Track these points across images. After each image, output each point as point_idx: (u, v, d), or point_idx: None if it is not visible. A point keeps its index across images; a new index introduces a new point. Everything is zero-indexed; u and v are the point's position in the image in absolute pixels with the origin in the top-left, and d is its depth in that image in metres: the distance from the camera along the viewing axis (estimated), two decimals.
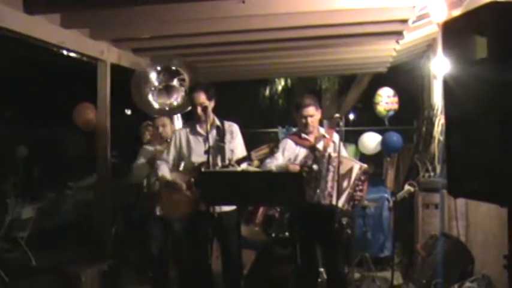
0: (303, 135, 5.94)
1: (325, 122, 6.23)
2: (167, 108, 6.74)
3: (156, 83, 6.63)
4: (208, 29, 7.15)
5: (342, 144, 5.95)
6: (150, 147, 7.09)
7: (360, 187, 5.61)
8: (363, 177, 5.60)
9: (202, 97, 5.68)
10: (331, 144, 5.88)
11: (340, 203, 5.49)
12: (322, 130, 6.03)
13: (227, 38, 7.71)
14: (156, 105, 6.69)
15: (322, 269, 6.44)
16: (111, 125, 7.85)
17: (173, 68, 6.67)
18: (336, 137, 6.01)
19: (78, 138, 15.43)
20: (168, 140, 6.58)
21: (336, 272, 5.97)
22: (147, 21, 6.97)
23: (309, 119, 5.83)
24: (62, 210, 12.14)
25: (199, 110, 5.66)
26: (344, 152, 6.03)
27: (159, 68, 6.66)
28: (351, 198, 5.57)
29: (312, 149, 5.82)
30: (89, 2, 6.07)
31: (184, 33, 7.41)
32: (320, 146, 5.84)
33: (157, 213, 6.66)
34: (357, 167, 5.61)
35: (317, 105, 5.96)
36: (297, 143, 5.94)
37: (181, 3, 6.30)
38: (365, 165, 5.70)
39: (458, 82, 3.20)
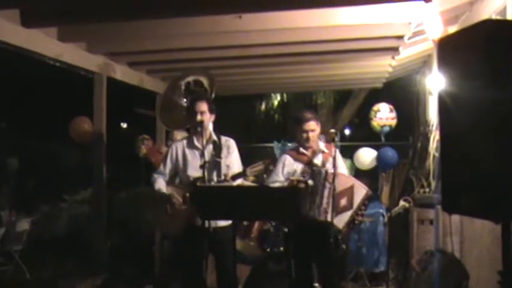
0: (301, 149, 5.92)
1: (321, 136, 6.21)
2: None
3: (184, 100, 6.65)
4: (204, 43, 7.17)
5: (341, 159, 5.95)
6: None
7: (362, 212, 5.59)
8: (366, 202, 5.58)
9: (204, 106, 5.69)
10: (330, 160, 5.79)
11: (341, 224, 5.45)
12: (321, 145, 5.99)
13: (224, 52, 7.73)
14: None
15: (316, 284, 6.42)
16: (107, 138, 7.86)
17: (192, 79, 6.71)
18: (336, 153, 5.92)
19: (73, 152, 15.43)
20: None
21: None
22: (143, 36, 6.99)
23: (310, 134, 5.80)
24: (56, 224, 12.10)
25: (198, 116, 5.62)
26: (344, 169, 6.00)
27: (183, 93, 6.69)
28: (352, 221, 5.54)
29: (310, 164, 5.81)
30: (86, 16, 6.08)
31: (181, 48, 7.43)
32: (318, 161, 5.82)
33: None
34: (363, 192, 5.56)
35: (317, 119, 5.95)
36: (295, 159, 5.92)
37: (177, 18, 6.32)
38: (370, 191, 5.66)
39: (454, 98, 3.21)
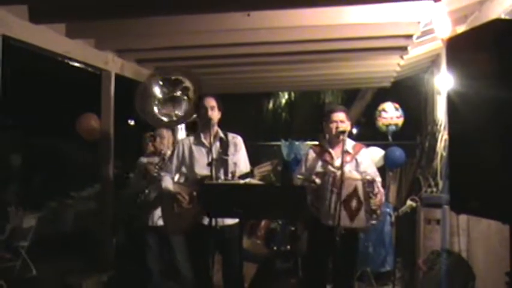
0: (327, 146, 5.84)
1: (327, 135, 6.18)
2: (174, 119, 6.73)
3: (160, 96, 6.62)
4: (212, 41, 7.17)
5: (369, 161, 5.89)
6: (144, 159, 7.10)
7: (373, 197, 5.43)
8: (369, 188, 5.43)
9: (213, 102, 5.66)
10: (353, 162, 5.72)
11: (361, 224, 5.37)
12: (349, 144, 5.81)
13: (231, 50, 7.73)
14: (161, 117, 6.68)
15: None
16: (114, 135, 7.87)
17: (174, 77, 6.67)
18: (363, 154, 5.84)
19: (80, 148, 15.44)
20: (163, 152, 6.63)
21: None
22: (151, 33, 6.99)
23: (340, 124, 5.67)
24: (63, 220, 12.13)
25: (209, 112, 5.60)
26: (371, 169, 5.83)
27: (161, 82, 6.66)
28: (370, 213, 5.43)
29: (326, 163, 5.73)
30: (94, 13, 6.08)
31: (189, 45, 7.43)
32: (336, 162, 5.66)
33: (150, 223, 6.68)
34: (360, 184, 5.43)
35: (347, 113, 5.84)
36: (318, 155, 5.86)
37: (186, 15, 6.32)
38: (367, 177, 5.50)
39: (462, 98, 3.19)
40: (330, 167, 5.64)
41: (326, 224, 5.44)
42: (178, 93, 6.58)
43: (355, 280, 6.32)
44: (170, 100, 6.67)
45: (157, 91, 6.64)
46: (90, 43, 7.34)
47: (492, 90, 2.92)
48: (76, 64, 7.38)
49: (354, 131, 18.70)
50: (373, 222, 5.49)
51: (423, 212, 7.51)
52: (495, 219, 3.21)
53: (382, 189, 5.68)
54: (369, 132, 13.75)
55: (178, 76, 6.70)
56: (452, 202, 3.35)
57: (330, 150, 5.79)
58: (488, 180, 2.98)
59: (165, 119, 6.74)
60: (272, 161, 5.65)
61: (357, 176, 5.52)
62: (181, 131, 7.53)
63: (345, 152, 5.58)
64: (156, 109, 6.64)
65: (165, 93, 6.67)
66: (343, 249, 5.28)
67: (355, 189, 5.39)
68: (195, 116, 6.23)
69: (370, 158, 6.07)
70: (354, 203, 5.38)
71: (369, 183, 5.46)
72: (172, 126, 6.99)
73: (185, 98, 6.56)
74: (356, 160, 5.73)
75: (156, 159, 6.89)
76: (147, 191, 6.74)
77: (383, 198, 5.72)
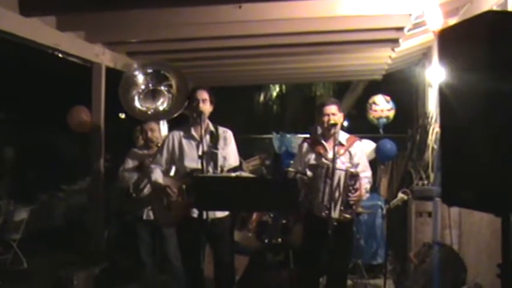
0: (320, 139, 5.83)
1: (318, 128, 6.17)
2: (150, 112, 6.65)
3: (143, 86, 6.56)
4: (203, 33, 7.16)
5: (362, 154, 5.89)
6: (138, 151, 7.07)
7: (352, 190, 5.43)
8: (350, 182, 5.42)
9: (205, 94, 5.65)
10: (347, 154, 5.72)
11: (336, 214, 5.36)
12: (343, 136, 5.80)
13: (223, 43, 7.71)
14: (140, 108, 6.61)
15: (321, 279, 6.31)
16: (105, 128, 7.85)
17: (162, 72, 6.62)
18: (356, 146, 5.84)
19: (71, 141, 15.41)
20: (158, 145, 6.59)
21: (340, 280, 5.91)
22: (142, 25, 6.98)
23: (331, 117, 5.64)
24: (54, 213, 12.11)
25: (200, 104, 5.58)
26: (363, 164, 5.84)
27: (148, 71, 6.61)
28: (346, 206, 5.43)
29: (319, 156, 5.73)
30: (85, 5, 6.06)
31: (180, 38, 7.42)
32: (330, 154, 5.63)
33: (144, 217, 6.66)
34: (342, 174, 5.42)
35: (340, 106, 5.81)
36: (311, 147, 5.86)
37: (177, 7, 6.30)
38: (351, 170, 5.50)
39: (454, 91, 3.19)
40: (323, 159, 5.64)
41: (319, 215, 5.44)
42: (162, 87, 6.53)
43: (347, 273, 6.30)
44: (152, 93, 6.60)
45: (141, 80, 6.57)
46: (81, 36, 7.31)
47: (484, 82, 2.91)
48: (66, 57, 7.34)
49: (345, 123, 18.77)
50: (347, 216, 5.46)
51: (414, 204, 7.51)
52: (487, 211, 3.21)
53: (365, 186, 5.70)
54: (359, 125, 13.77)
55: (166, 72, 6.65)
56: (444, 194, 3.35)
57: (323, 142, 5.78)
58: (480, 173, 2.98)
59: (142, 109, 6.68)
60: (260, 155, 5.68)
61: (342, 167, 5.52)
62: (163, 126, 7.50)
63: (338, 144, 5.59)
64: (136, 99, 6.58)
65: (148, 85, 6.61)
66: (336, 242, 5.28)
67: (339, 180, 5.40)
68: (183, 109, 6.19)
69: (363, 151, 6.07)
70: (336, 193, 5.40)
71: (351, 177, 5.46)
72: (147, 119, 6.92)
73: (167, 94, 6.50)
74: (349, 152, 5.73)
75: (146, 152, 6.88)
76: (142, 185, 6.72)
77: (364, 195, 5.73)
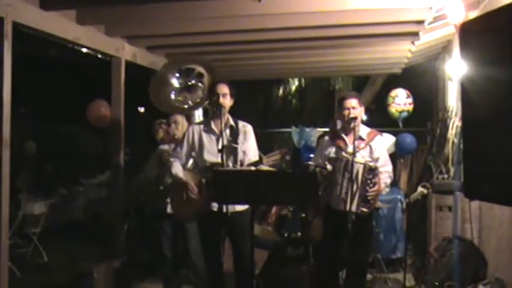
0: (341, 132, 5.81)
1: (338, 122, 6.15)
2: (191, 104, 6.69)
3: (177, 85, 6.60)
4: (223, 27, 7.15)
5: (383, 148, 5.86)
6: (164, 146, 7.09)
7: (370, 185, 5.42)
8: (369, 176, 5.40)
9: (226, 88, 5.66)
10: (367, 149, 5.70)
11: (354, 207, 5.36)
12: (364, 130, 5.79)
13: (242, 36, 7.70)
14: (177, 104, 6.65)
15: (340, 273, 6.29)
16: (124, 122, 7.87)
17: (185, 67, 6.64)
18: (377, 140, 5.81)
19: (91, 135, 15.49)
20: (177, 138, 6.62)
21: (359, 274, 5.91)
22: (162, 19, 6.97)
23: (352, 111, 5.60)
24: (74, 207, 12.18)
25: (220, 98, 5.58)
26: (384, 158, 5.81)
27: (177, 74, 6.63)
28: (363, 200, 5.42)
29: (340, 149, 5.70)
30: None
31: (199, 31, 7.41)
32: (350, 148, 5.58)
33: (168, 211, 6.67)
34: (361, 167, 5.40)
35: (360, 100, 5.77)
36: (332, 141, 5.85)
37: (196, 1, 6.30)
38: (369, 164, 5.47)
39: (475, 84, 3.16)
40: (343, 153, 5.61)
41: (336, 208, 5.44)
42: (193, 81, 6.56)
43: (367, 267, 6.28)
44: (186, 89, 6.63)
45: (174, 82, 6.62)
46: (101, 29, 7.32)
47: (506, 76, 2.89)
48: (86, 51, 7.37)
49: (364, 117, 18.73)
50: (364, 209, 5.45)
51: (434, 198, 7.49)
52: (509, 205, 3.19)
53: (385, 181, 5.69)
54: (379, 119, 13.71)
55: (190, 65, 6.67)
56: (466, 188, 3.33)
57: (344, 136, 5.76)
58: (502, 166, 2.96)
59: (181, 105, 6.71)
60: (281, 150, 5.67)
61: (361, 160, 5.50)
62: (199, 118, 7.52)
63: (359, 139, 5.59)
64: (172, 96, 6.61)
65: (181, 84, 6.65)
66: (355, 236, 5.27)
67: (357, 173, 5.39)
68: (206, 102, 6.21)
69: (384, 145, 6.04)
70: (354, 187, 5.39)
71: (370, 171, 5.44)
72: (187, 112, 6.97)
73: (200, 84, 6.54)
74: (370, 147, 5.70)
75: (166, 147, 6.90)
76: (166, 179, 6.73)
77: (383, 190, 5.73)
